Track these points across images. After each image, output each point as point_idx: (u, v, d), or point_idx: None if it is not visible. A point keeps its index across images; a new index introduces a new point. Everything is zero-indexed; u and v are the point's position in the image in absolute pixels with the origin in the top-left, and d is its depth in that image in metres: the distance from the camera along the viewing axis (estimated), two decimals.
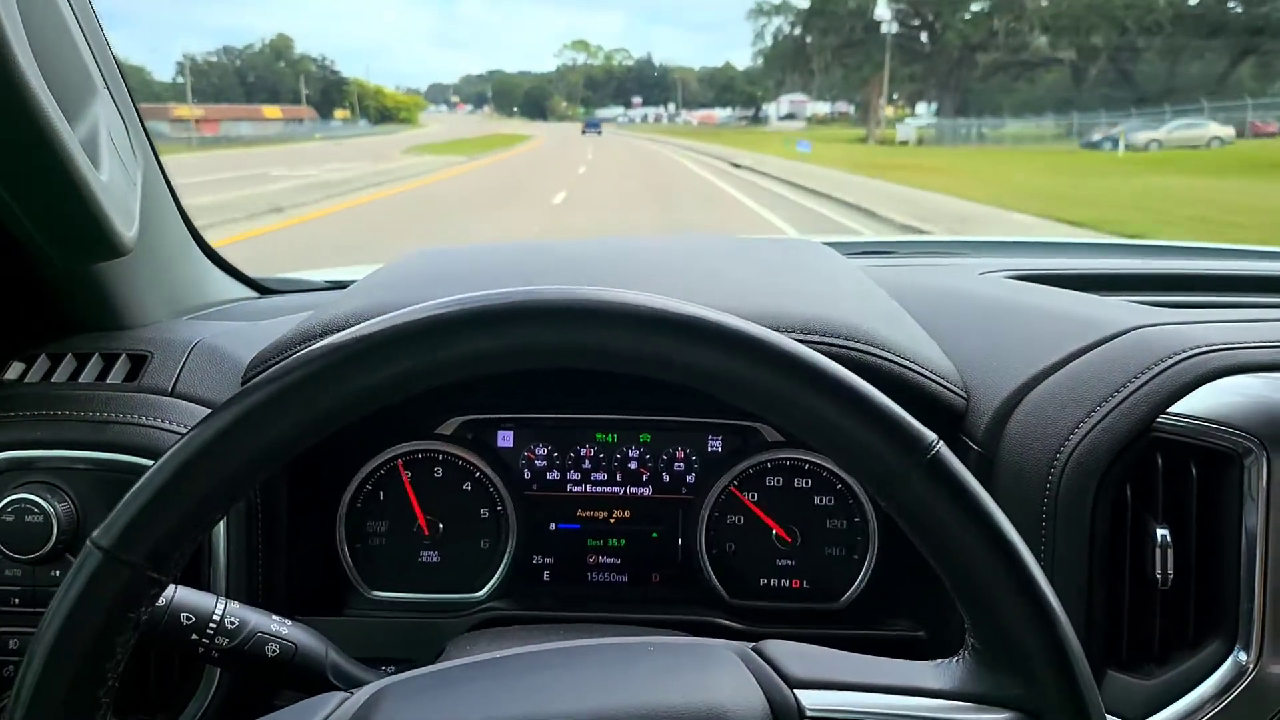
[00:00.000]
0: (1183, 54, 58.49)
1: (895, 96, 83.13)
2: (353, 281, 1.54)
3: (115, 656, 0.61)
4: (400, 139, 68.54)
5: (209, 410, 1.10)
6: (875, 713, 0.65)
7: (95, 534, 0.59)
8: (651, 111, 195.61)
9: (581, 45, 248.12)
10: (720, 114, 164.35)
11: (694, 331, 0.62)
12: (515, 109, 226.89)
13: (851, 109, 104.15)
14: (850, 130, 79.49)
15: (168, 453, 0.60)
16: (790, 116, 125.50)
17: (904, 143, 52.32)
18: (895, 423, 0.62)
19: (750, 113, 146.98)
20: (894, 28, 77.27)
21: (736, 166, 32.41)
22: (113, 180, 0.99)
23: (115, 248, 1.01)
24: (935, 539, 0.63)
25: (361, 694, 0.68)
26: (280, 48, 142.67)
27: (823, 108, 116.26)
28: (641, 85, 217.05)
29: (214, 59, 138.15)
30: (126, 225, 1.02)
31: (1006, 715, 0.64)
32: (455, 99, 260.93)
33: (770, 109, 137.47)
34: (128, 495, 0.59)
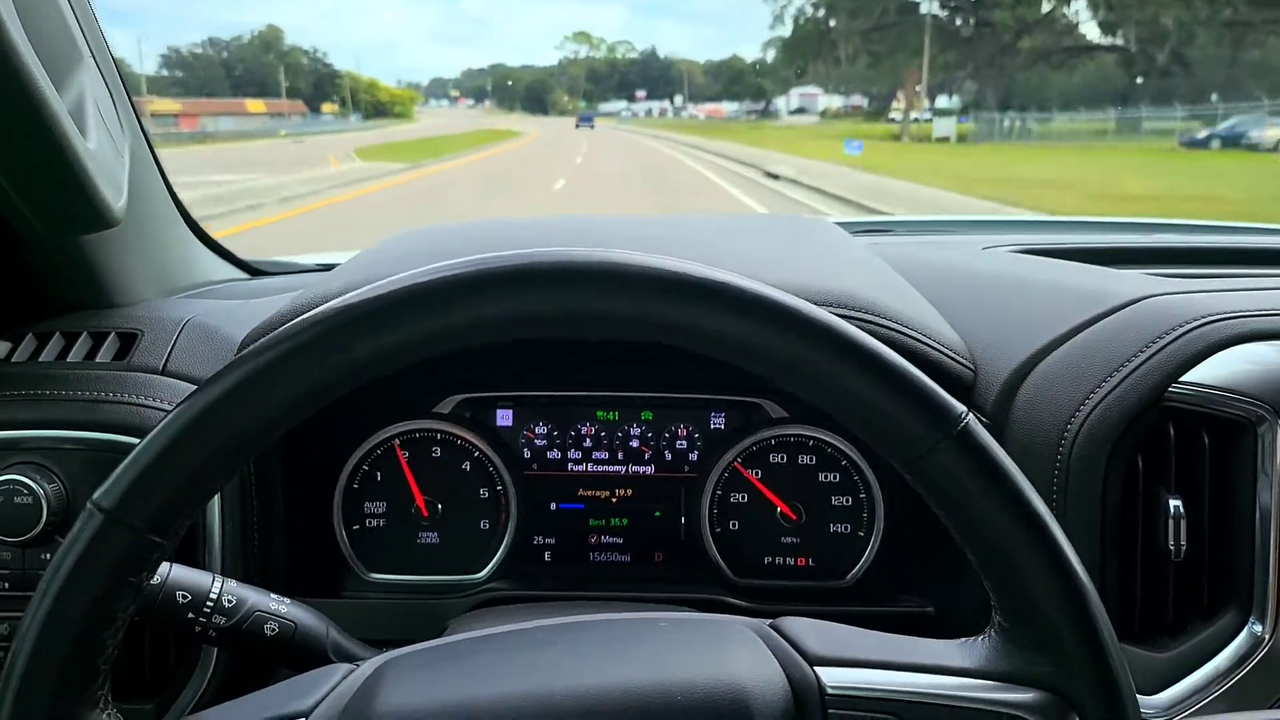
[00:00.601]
0: (1245, 39, 51.56)
1: (917, 88, 77.37)
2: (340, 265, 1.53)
3: (115, 624, 0.59)
4: (372, 136, 58.98)
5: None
6: (897, 690, 0.63)
7: (96, 495, 0.58)
8: (656, 105, 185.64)
9: (583, 37, 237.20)
10: (728, 107, 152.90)
11: (719, 297, 0.59)
12: (516, 104, 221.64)
13: (865, 103, 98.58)
14: (870, 126, 71.15)
15: (172, 413, 0.58)
16: (800, 110, 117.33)
17: (942, 139, 45.13)
18: (925, 394, 0.60)
19: (760, 106, 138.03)
20: (934, 6, 68.60)
21: (773, 177, 23.60)
22: (100, 149, 0.97)
23: (103, 218, 0.99)
24: (962, 513, 0.61)
25: (367, 666, 0.66)
26: (270, 40, 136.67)
27: (834, 101, 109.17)
28: (645, 79, 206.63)
29: (200, 50, 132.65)
30: (115, 196, 1.00)
31: (1035, 694, 0.63)
32: (455, 93, 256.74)
33: (780, 102, 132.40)
34: (130, 456, 0.58)
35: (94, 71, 1.06)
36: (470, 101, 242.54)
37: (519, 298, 0.59)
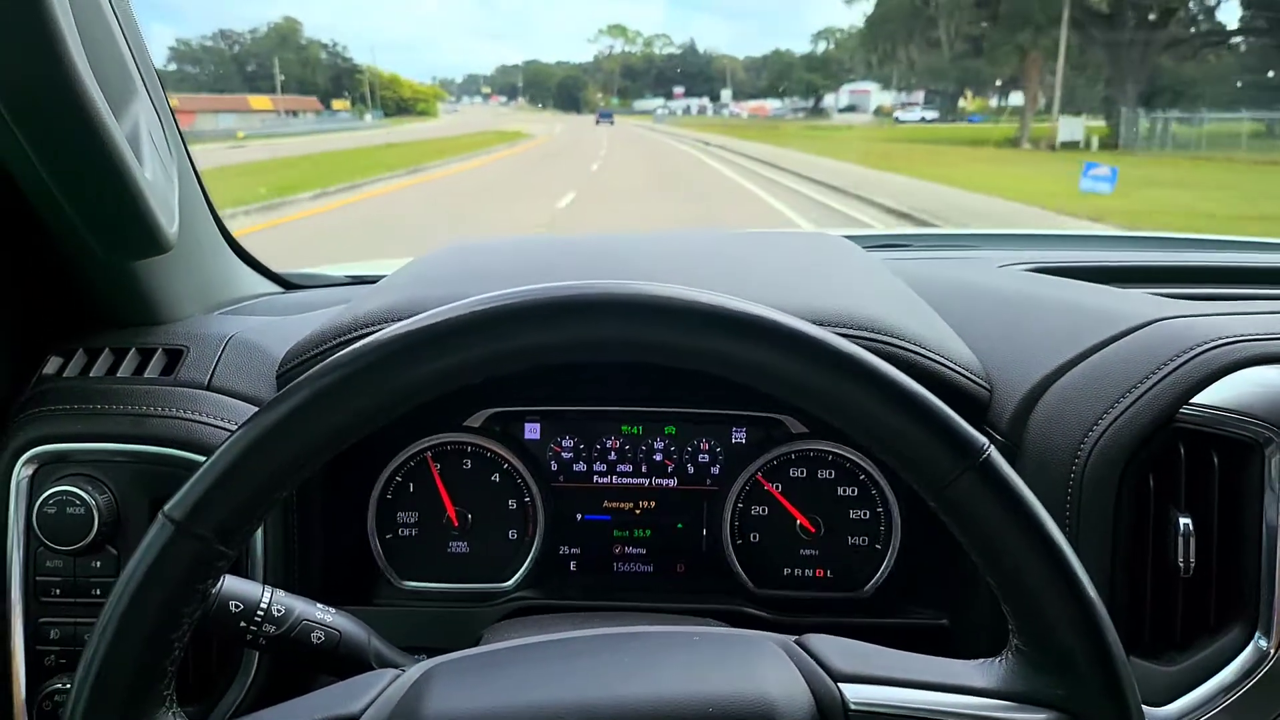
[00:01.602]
0: None
1: (999, 82, 69.14)
2: (375, 276, 1.57)
3: (182, 627, 0.63)
4: (363, 138, 49.95)
5: (245, 403, 1.13)
6: (918, 708, 0.66)
7: (167, 507, 0.62)
8: (695, 103, 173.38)
9: (619, 30, 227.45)
10: (772, 105, 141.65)
11: (751, 330, 0.63)
12: (549, 101, 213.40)
13: (921, 99, 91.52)
14: (948, 128, 64.52)
15: (238, 431, 0.62)
16: (851, 109, 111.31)
17: (1070, 145, 34.69)
18: (948, 426, 0.63)
19: (808, 104, 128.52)
20: None
21: None
22: (155, 177, 1.01)
23: (158, 243, 1.03)
24: (984, 541, 0.64)
25: (413, 672, 0.70)
26: (286, 32, 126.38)
27: (885, 98, 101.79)
28: (684, 75, 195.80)
29: (210, 44, 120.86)
30: (169, 221, 1.04)
31: (1050, 714, 0.65)
32: (487, 90, 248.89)
33: (828, 100, 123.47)
34: (200, 470, 0.62)
35: (146, 100, 1.10)
36: (503, 99, 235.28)
37: (547, 330, 0.64)
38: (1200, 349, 1.01)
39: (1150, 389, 1.00)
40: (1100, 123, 39.94)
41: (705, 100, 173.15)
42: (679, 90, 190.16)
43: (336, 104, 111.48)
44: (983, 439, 0.64)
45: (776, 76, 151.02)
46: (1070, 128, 36.91)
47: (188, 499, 0.62)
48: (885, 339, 1.08)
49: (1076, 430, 1.02)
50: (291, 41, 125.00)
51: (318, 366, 0.63)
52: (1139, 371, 1.02)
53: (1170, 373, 1.00)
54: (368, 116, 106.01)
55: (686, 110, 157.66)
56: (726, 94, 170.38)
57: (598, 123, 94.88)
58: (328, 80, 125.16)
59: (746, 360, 0.64)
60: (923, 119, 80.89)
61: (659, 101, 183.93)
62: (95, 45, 0.96)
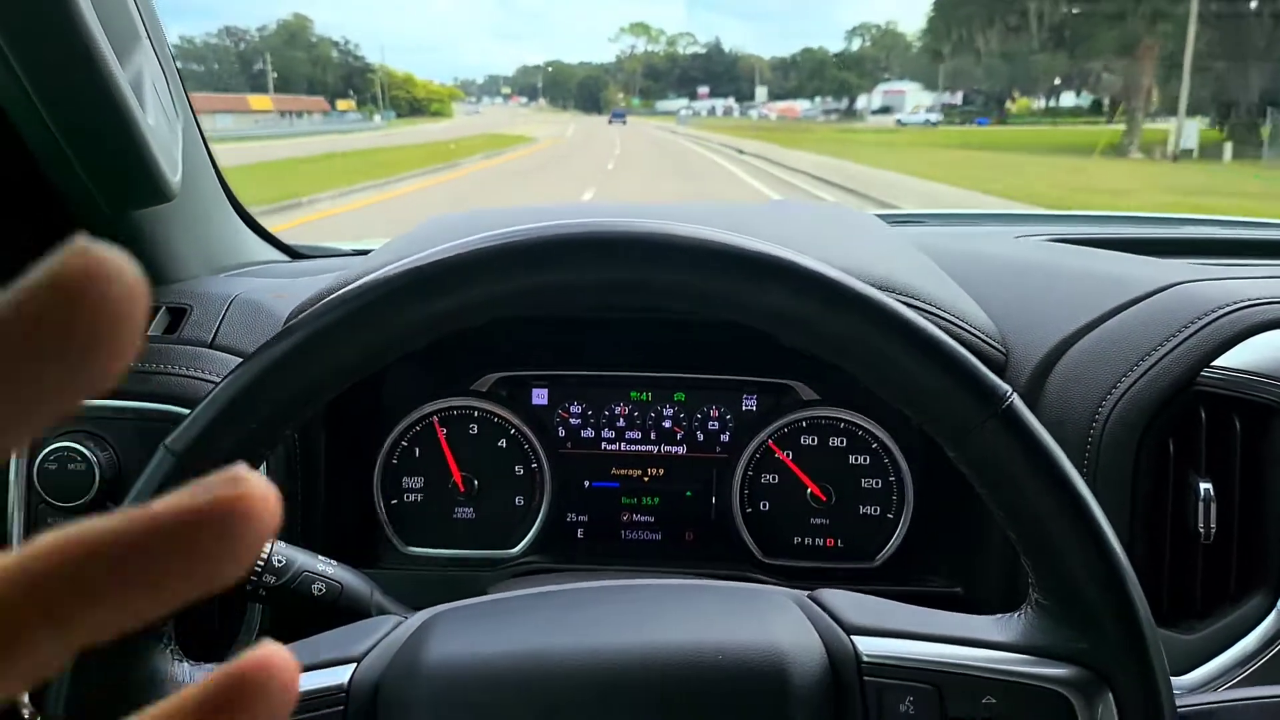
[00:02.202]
0: None
1: (1059, 82, 62.95)
2: None
3: None
4: (357, 141, 44.27)
5: None
6: (934, 660, 0.65)
7: (169, 439, 0.61)
8: (720, 103, 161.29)
9: (641, 29, 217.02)
10: (801, 106, 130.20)
11: (769, 270, 0.61)
12: (570, 101, 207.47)
13: (959, 100, 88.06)
14: (1011, 130, 58.84)
15: (243, 364, 0.61)
16: (885, 110, 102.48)
17: (1184, 154, 29.01)
18: (970, 372, 0.61)
19: (841, 105, 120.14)
20: None
21: None
22: (158, 125, 1.01)
23: (160, 192, 1.02)
24: (1005, 491, 0.62)
25: (416, 619, 0.69)
26: (295, 30, 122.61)
27: (923, 98, 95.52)
28: (708, 74, 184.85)
29: (216, 41, 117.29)
30: (171, 170, 1.03)
31: (1071, 669, 0.64)
32: (507, 91, 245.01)
33: (862, 101, 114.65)
34: (203, 403, 0.61)
35: (150, 52, 1.09)
36: (524, 99, 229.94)
37: (551, 269, 0.61)
38: (1222, 311, 0.99)
39: (1170, 352, 0.98)
40: (1200, 123, 33.59)
41: (730, 101, 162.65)
42: (703, 90, 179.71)
43: (341, 104, 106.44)
44: (1005, 386, 0.62)
45: (807, 75, 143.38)
46: (1189, 132, 30.35)
47: (189, 431, 0.61)
48: (899, 298, 1.05)
49: (1094, 394, 1.00)
50: (301, 39, 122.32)
51: (322, 302, 0.62)
52: (1159, 334, 1.00)
53: (1191, 335, 0.98)
54: (377, 117, 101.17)
55: (711, 111, 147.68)
56: (762, 93, 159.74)
57: (610, 122, 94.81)
58: (339, 79, 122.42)
59: (762, 303, 0.61)
60: (927, 121, 78.59)
61: (682, 102, 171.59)
62: None
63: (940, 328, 1.03)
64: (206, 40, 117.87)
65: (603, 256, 0.61)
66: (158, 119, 1.01)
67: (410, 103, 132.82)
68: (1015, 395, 0.62)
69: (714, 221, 1.32)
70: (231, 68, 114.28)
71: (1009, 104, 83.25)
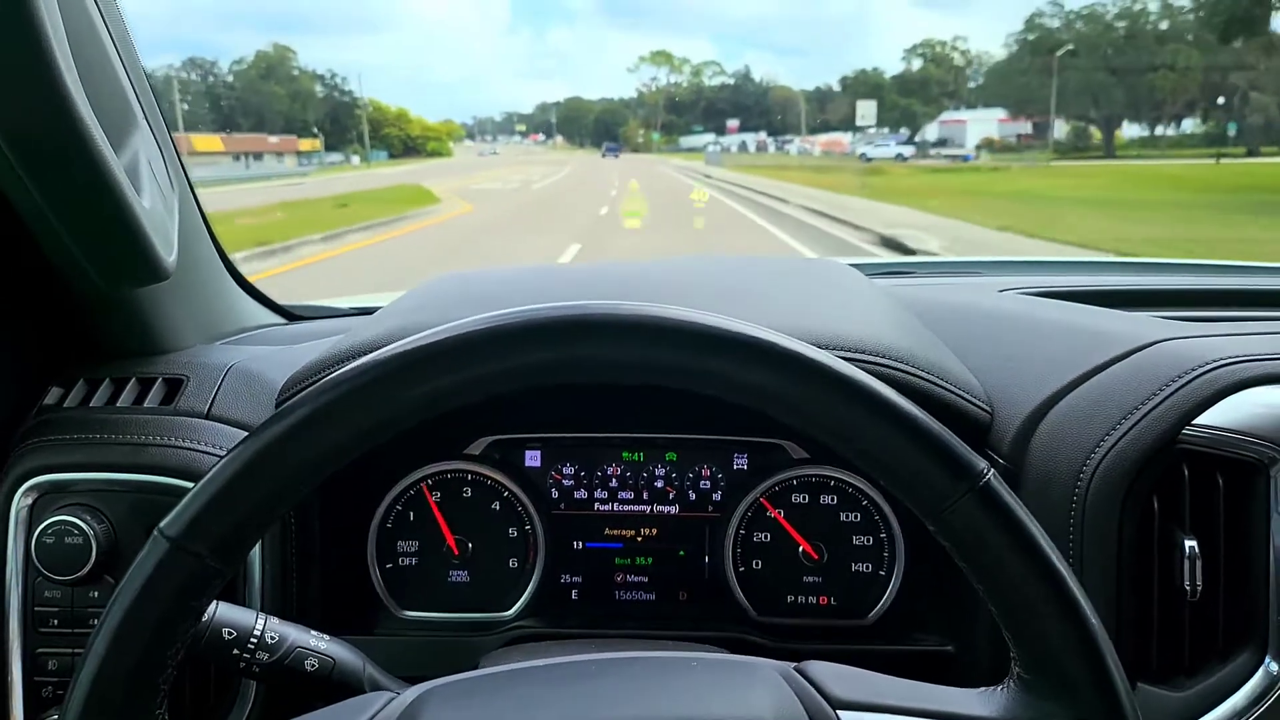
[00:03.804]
0: None
1: (1173, 104, 57.36)
2: (378, 308, 1.57)
3: (175, 645, 0.63)
4: (290, 190, 32.62)
5: (244, 431, 1.14)
6: None
7: (163, 524, 0.62)
8: (752, 138, 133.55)
9: (663, 58, 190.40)
10: (847, 139, 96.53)
11: (751, 352, 0.63)
12: (586, 138, 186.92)
13: (1029, 128, 76.93)
14: (1120, 167, 46.46)
15: (236, 448, 0.62)
16: (943, 143, 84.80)
17: None
18: (947, 449, 0.63)
19: (898, 137, 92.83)
20: None
21: None
22: (154, 207, 1.02)
23: (156, 272, 1.04)
24: (984, 566, 0.64)
25: (407, 695, 0.69)
26: (273, 62, 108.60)
27: (988, 129, 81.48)
28: (737, 106, 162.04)
29: (184, 74, 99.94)
30: (166, 250, 1.05)
31: None
32: (522, 128, 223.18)
33: (930, 130, 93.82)
34: (196, 487, 0.62)
35: (146, 131, 1.11)
36: (542, 137, 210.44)
37: (539, 349, 0.63)
38: (1203, 369, 1.00)
39: (1152, 410, 0.99)
40: None
41: (763, 135, 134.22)
42: (733, 124, 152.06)
43: (305, 144, 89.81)
44: (983, 462, 0.63)
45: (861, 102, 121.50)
46: None
47: (183, 516, 0.62)
48: (884, 362, 1.07)
49: (1079, 452, 1.01)
50: (280, 72, 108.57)
51: (315, 385, 0.63)
52: (1141, 393, 1.01)
53: (1172, 393, 0.99)
54: (355, 158, 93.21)
55: (742, 146, 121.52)
56: (806, 124, 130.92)
57: (603, 156, 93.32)
58: (323, 116, 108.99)
59: (743, 381, 0.63)
60: (899, 156, 66.12)
61: (709, 137, 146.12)
62: (95, 78, 0.98)
63: (927, 391, 1.07)
64: (169, 73, 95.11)
65: (587, 339, 0.63)
66: (153, 200, 1.03)
67: (404, 141, 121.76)
68: (993, 472, 0.63)
69: (703, 284, 1.34)
70: (198, 104, 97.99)
71: (1093, 132, 72.63)
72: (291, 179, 48.60)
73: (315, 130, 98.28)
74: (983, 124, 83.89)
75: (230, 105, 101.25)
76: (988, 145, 76.56)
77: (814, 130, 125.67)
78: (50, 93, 0.82)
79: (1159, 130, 70.56)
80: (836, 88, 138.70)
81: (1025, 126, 79.36)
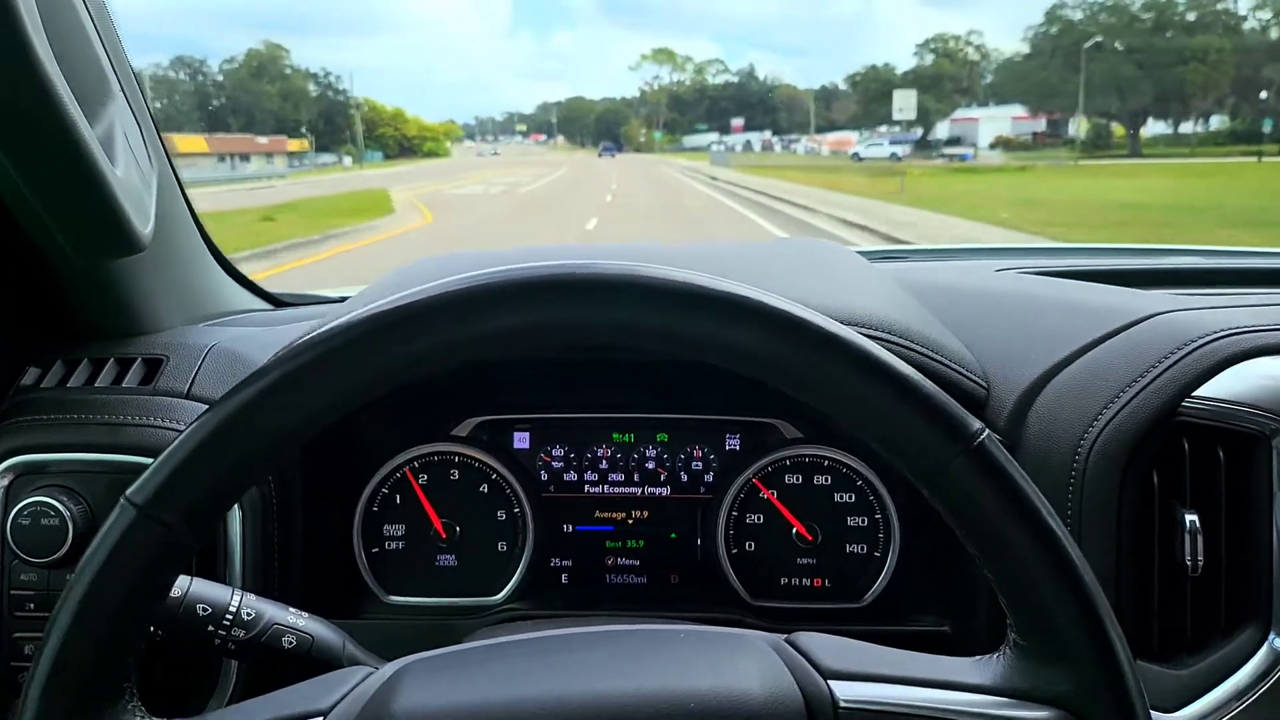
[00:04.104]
0: None
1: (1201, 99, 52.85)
2: None
3: (143, 617, 0.61)
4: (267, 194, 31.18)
5: None
6: (911, 705, 0.63)
7: (129, 491, 0.60)
8: (757, 136, 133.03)
9: (665, 55, 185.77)
10: (855, 138, 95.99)
11: (738, 310, 0.61)
12: (587, 138, 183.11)
13: (1043, 125, 74.57)
14: (1152, 166, 42.98)
15: (204, 414, 0.60)
16: (955, 141, 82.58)
17: None
18: (942, 409, 0.61)
19: (911, 136, 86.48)
20: None
21: None
22: (128, 177, 1.01)
23: (130, 243, 1.02)
24: (977, 528, 0.62)
25: (386, 670, 0.68)
26: (265, 61, 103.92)
27: (1001, 126, 78.61)
28: (741, 104, 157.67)
29: (171, 73, 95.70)
30: (142, 221, 1.03)
31: (1050, 711, 0.63)
32: (523, 128, 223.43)
33: (917, 132, 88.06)
34: (164, 453, 0.60)
35: (123, 104, 1.09)
36: (543, 137, 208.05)
37: (516, 311, 0.61)
38: (1203, 341, 0.99)
39: (1151, 382, 0.97)
40: None
41: (768, 134, 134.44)
42: (737, 122, 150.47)
43: (293, 144, 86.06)
44: (978, 423, 0.61)
45: (872, 100, 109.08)
46: None
47: (150, 483, 0.60)
48: (879, 335, 1.06)
49: (1077, 426, 0.99)
50: (272, 71, 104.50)
51: (285, 349, 0.61)
52: (1140, 365, 0.99)
53: (1172, 365, 0.98)
54: (347, 159, 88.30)
55: (747, 145, 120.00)
56: (818, 123, 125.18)
57: (600, 155, 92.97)
58: (316, 116, 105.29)
59: (733, 343, 0.61)
60: (893, 155, 62.82)
61: (713, 136, 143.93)
62: (69, 47, 0.96)
63: (921, 364, 1.04)
64: (156, 73, 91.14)
65: (566, 300, 0.61)
66: (128, 170, 1.02)
67: (400, 141, 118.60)
68: (988, 432, 0.61)
69: (697, 260, 1.33)
70: (188, 102, 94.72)
71: (1102, 128, 68.56)
72: (263, 182, 46.28)
73: (304, 130, 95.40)
74: (996, 122, 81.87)
75: (220, 105, 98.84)
76: (1003, 144, 74.53)
77: (820, 129, 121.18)
78: (18, 56, 0.81)
79: (1183, 127, 66.67)
80: (843, 86, 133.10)
81: (1040, 124, 76.86)
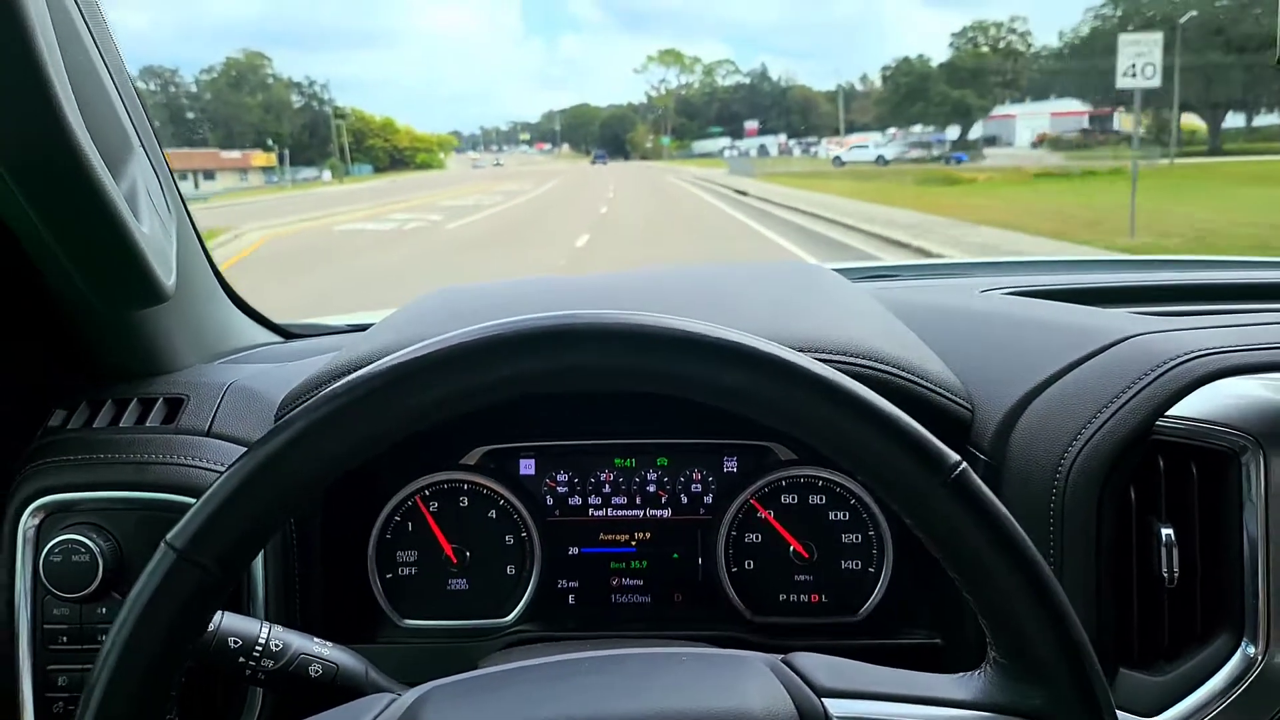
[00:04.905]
0: None
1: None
2: (371, 324, 1.58)
3: (183, 653, 0.66)
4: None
5: (244, 448, 1.16)
6: None
7: (169, 535, 0.64)
8: (772, 140, 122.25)
9: (673, 57, 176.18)
10: (876, 140, 79.32)
11: (727, 355, 0.65)
12: (593, 146, 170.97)
13: (1085, 120, 68.17)
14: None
15: (238, 461, 0.65)
16: (991, 141, 76.64)
17: None
18: (920, 444, 0.65)
19: (940, 137, 77.53)
20: None
21: None
22: (152, 231, 1.05)
23: (157, 295, 1.06)
24: (959, 557, 0.66)
25: (408, 696, 0.72)
26: (244, 70, 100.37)
27: (1038, 124, 71.98)
28: (754, 107, 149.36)
29: (140, 84, 48.46)
30: (165, 273, 1.07)
31: None
32: (526, 137, 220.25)
33: (951, 133, 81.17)
34: (200, 500, 0.65)
35: (143, 157, 1.14)
36: (548, 146, 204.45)
37: (528, 359, 0.66)
38: (1174, 362, 1.03)
39: (1126, 403, 1.02)
40: None
41: (783, 137, 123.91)
42: (751, 125, 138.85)
43: (258, 158, 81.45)
44: (955, 455, 0.66)
45: (904, 97, 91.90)
46: None
47: (189, 527, 0.64)
48: (864, 363, 1.10)
49: (1057, 446, 1.04)
50: (252, 81, 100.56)
51: (314, 398, 0.66)
52: (1115, 386, 1.04)
53: (1145, 386, 1.02)
54: (326, 173, 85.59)
55: (762, 150, 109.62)
56: (852, 126, 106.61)
57: (593, 163, 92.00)
58: (300, 128, 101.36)
59: (723, 385, 0.66)
60: (880, 158, 58.13)
61: (725, 141, 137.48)
62: (92, 107, 1.00)
63: (907, 390, 1.10)
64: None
65: (564, 348, 0.65)
66: (152, 225, 1.06)
67: (390, 153, 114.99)
68: (964, 465, 0.66)
69: (682, 289, 1.37)
70: (159, 115, 78.30)
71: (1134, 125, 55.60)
72: (209, 202, 43.21)
73: (270, 144, 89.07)
74: (1034, 119, 73.89)
75: (194, 118, 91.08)
76: (1050, 142, 65.33)
77: (836, 131, 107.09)
78: (50, 123, 0.85)
79: (1257, 120, 56.72)
80: (860, 87, 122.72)
81: (1083, 120, 69.24)
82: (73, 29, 1.01)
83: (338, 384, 0.66)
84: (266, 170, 76.57)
